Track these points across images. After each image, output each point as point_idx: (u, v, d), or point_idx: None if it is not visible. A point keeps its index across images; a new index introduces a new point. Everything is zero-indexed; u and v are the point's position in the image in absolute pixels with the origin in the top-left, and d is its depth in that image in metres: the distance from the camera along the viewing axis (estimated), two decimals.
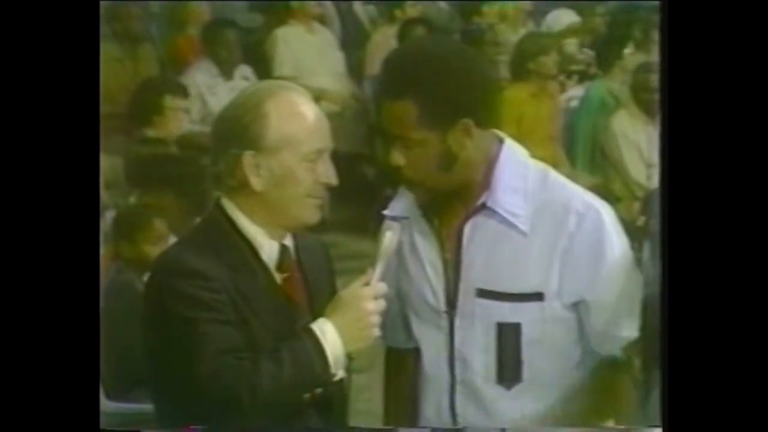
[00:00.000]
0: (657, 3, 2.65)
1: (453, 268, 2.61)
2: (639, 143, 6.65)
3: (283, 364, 2.40)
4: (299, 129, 2.50)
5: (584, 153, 6.97)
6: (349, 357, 2.48)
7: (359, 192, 6.65)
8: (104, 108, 2.74)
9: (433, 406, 2.67)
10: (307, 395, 2.47)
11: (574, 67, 7.86)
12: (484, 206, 2.58)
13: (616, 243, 2.58)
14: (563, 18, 8.65)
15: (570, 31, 8.29)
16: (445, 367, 2.63)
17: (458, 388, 2.63)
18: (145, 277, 2.66)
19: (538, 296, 2.56)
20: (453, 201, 2.61)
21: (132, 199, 5.03)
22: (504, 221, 2.57)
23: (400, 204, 2.68)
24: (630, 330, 2.62)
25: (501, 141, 2.62)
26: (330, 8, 8.49)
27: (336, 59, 7.97)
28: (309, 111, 2.53)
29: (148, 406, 2.71)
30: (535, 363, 2.59)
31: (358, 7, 8.87)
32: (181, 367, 2.40)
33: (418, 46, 2.78)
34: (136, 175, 5.22)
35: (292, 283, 2.56)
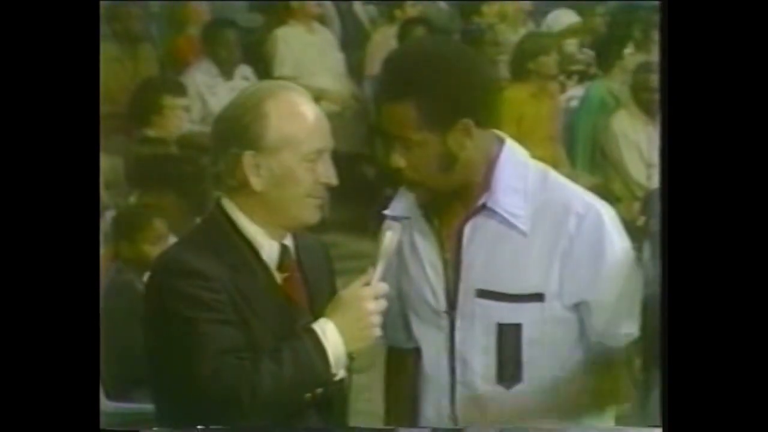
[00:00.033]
0: (657, 3, 2.66)
1: (453, 268, 2.61)
2: (639, 143, 6.66)
3: (284, 364, 2.40)
4: (299, 129, 2.50)
5: (584, 153, 6.97)
6: (350, 357, 2.48)
7: (359, 192, 6.64)
8: (104, 108, 2.74)
9: (433, 406, 2.67)
10: (307, 395, 2.47)
11: (574, 67, 7.86)
12: (484, 207, 2.58)
13: (617, 243, 2.58)
14: (563, 18, 8.64)
15: (570, 31, 8.28)
16: (446, 368, 2.63)
17: (458, 388, 2.63)
18: (145, 277, 2.66)
19: (538, 297, 2.56)
20: (453, 201, 2.61)
21: (132, 199, 5.03)
22: (504, 221, 2.57)
23: (401, 204, 2.68)
24: (630, 330, 2.62)
25: (501, 141, 2.62)
26: (330, 8, 8.49)
27: (336, 59, 7.97)
28: (309, 111, 2.53)
29: (148, 406, 2.71)
30: (535, 363, 2.59)
31: (358, 7, 8.87)
32: (181, 367, 2.41)
33: (417, 47, 2.77)
34: (136, 175, 5.22)
35: (292, 283, 2.56)
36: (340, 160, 2.60)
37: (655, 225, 4.92)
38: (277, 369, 2.39)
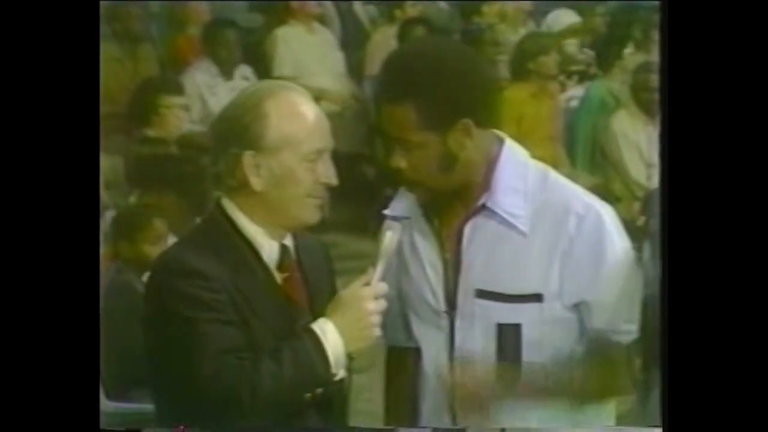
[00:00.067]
0: (657, 3, 2.66)
1: (453, 268, 2.61)
2: (639, 143, 6.66)
3: (284, 364, 2.40)
4: (299, 129, 2.50)
5: (584, 153, 6.97)
6: (350, 357, 2.48)
7: (359, 192, 6.64)
8: (104, 108, 2.74)
9: (433, 406, 2.67)
10: (307, 395, 2.47)
11: (574, 67, 7.86)
12: (484, 207, 2.58)
13: (617, 244, 2.58)
14: (563, 18, 8.64)
15: (570, 31, 8.28)
16: (446, 368, 2.63)
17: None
18: (145, 277, 2.66)
19: (537, 297, 2.56)
20: (453, 201, 2.61)
21: (132, 199, 5.03)
22: (504, 222, 2.57)
23: (401, 204, 2.68)
24: (630, 330, 2.62)
25: (501, 141, 2.62)
26: (330, 8, 8.49)
27: (336, 59, 7.97)
28: (309, 111, 2.53)
29: (148, 406, 2.71)
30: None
31: (358, 7, 8.87)
32: (181, 367, 2.40)
33: (416, 48, 2.77)
34: (136, 175, 5.22)
35: (292, 283, 2.56)
36: (340, 160, 2.60)
37: (655, 225, 4.92)
38: (277, 369, 2.39)
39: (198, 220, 2.77)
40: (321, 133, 2.53)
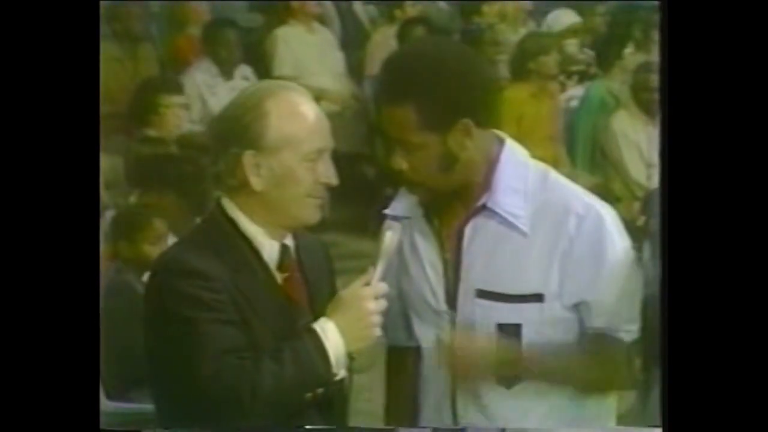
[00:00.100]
0: (657, 3, 2.66)
1: (453, 268, 2.61)
2: (639, 143, 6.66)
3: (285, 364, 2.40)
4: (299, 129, 2.50)
5: (584, 153, 6.97)
6: (350, 357, 2.48)
7: (359, 192, 6.65)
8: (104, 108, 2.74)
9: (433, 406, 2.67)
10: (308, 395, 2.47)
11: (574, 67, 7.86)
12: (484, 207, 2.58)
13: (617, 244, 2.58)
14: (563, 18, 8.65)
15: (570, 31, 8.28)
16: (447, 368, 2.63)
17: (458, 387, 2.63)
18: (145, 277, 2.66)
19: (537, 297, 2.56)
20: (453, 202, 2.61)
21: (132, 199, 5.03)
22: (504, 222, 2.57)
23: (401, 204, 2.68)
24: (630, 330, 2.61)
25: (502, 141, 2.62)
26: (330, 8, 8.49)
27: (336, 59, 7.97)
28: (309, 111, 2.53)
29: (148, 406, 2.71)
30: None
31: (358, 7, 8.87)
32: (182, 367, 2.40)
33: (415, 49, 2.77)
34: (136, 175, 5.22)
35: (292, 282, 2.56)
36: (340, 159, 2.60)
37: (655, 225, 4.92)
38: (277, 369, 2.39)
39: (198, 220, 2.77)
40: (321, 133, 2.53)
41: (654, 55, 6.54)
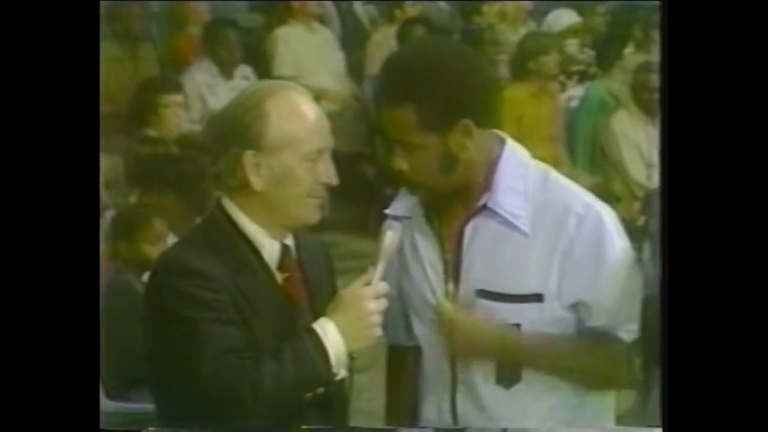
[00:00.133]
0: (657, 3, 2.66)
1: (453, 268, 2.61)
2: (639, 143, 6.66)
3: (285, 364, 2.40)
4: (300, 128, 2.50)
5: (584, 153, 6.97)
6: (351, 356, 2.48)
7: (359, 192, 6.65)
8: (104, 108, 2.74)
9: (434, 406, 2.67)
10: (308, 395, 2.47)
11: (574, 67, 7.86)
12: (484, 207, 2.58)
13: (617, 244, 2.58)
14: (564, 18, 8.64)
15: (570, 31, 8.28)
16: (446, 367, 2.63)
17: (459, 388, 2.63)
18: (145, 277, 2.66)
19: (537, 297, 2.56)
20: (454, 202, 2.61)
21: (132, 199, 5.03)
22: (504, 222, 2.57)
23: (402, 203, 2.68)
24: (630, 330, 2.61)
25: (502, 142, 2.62)
26: (330, 8, 8.49)
27: (336, 59, 7.97)
28: (309, 110, 2.53)
29: (148, 406, 2.71)
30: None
31: (358, 7, 8.87)
32: (182, 367, 2.40)
33: (415, 50, 2.76)
34: (136, 175, 5.22)
35: (293, 282, 2.56)
36: (340, 159, 2.60)
37: (655, 225, 4.93)
38: (278, 369, 2.39)
39: (198, 220, 2.76)
40: (321, 133, 2.53)
41: (654, 55, 6.54)
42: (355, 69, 8.15)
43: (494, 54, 7.27)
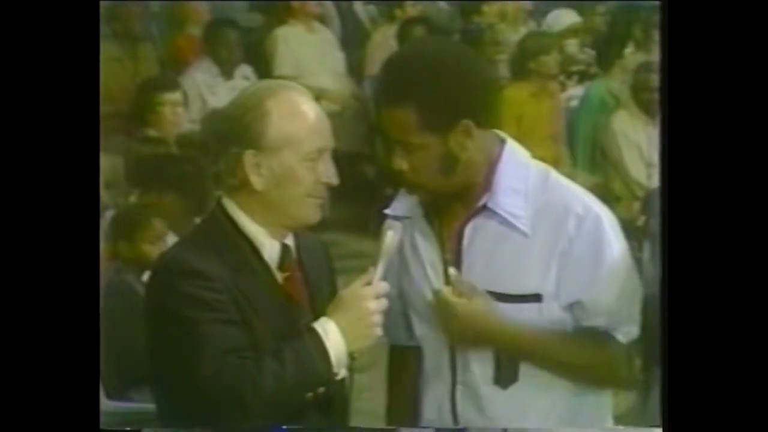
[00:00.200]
0: (657, 3, 2.66)
1: (454, 269, 2.61)
2: (639, 143, 6.66)
3: (286, 364, 2.40)
4: (300, 128, 2.50)
5: (584, 153, 6.97)
6: (351, 356, 2.48)
7: (359, 191, 6.65)
8: (104, 108, 2.74)
9: (434, 406, 2.67)
10: (309, 394, 2.47)
11: (574, 67, 7.86)
12: (484, 207, 2.58)
13: (615, 246, 2.57)
14: (564, 18, 8.64)
15: (570, 31, 8.28)
16: (447, 368, 2.63)
17: (459, 388, 2.63)
18: (144, 277, 2.66)
19: (536, 297, 2.56)
20: (454, 202, 2.61)
21: (132, 199, 5.03)
22: (504, 222, 2.57)
23: (402, 203, 2.68)
24: (630, 331, 2.61)
25: (502, 142, 2.62)
26: (330, 8, 8.48)
27: (336, 59, 7.97)
28: (310, 110, 2.53)
29: (148, 406, 2.72)
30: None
31: (358, 7, 8.87)
32: (183, 367, 2.40)
33: (416, 50, 2.76)
34: (136, 175, 5.22)
35: (293, 282, 2.56)
36: (340, 159, 2.60)
37: (655, 225, 4.92)
38: (278, 369, 2.39)
39: (198, 219, 2.76)
40: (322, 133, 2.53)
41: (654, 55, 6.54)
42: (355, 69, 8.15)
43: (494, 54, 7.27)
